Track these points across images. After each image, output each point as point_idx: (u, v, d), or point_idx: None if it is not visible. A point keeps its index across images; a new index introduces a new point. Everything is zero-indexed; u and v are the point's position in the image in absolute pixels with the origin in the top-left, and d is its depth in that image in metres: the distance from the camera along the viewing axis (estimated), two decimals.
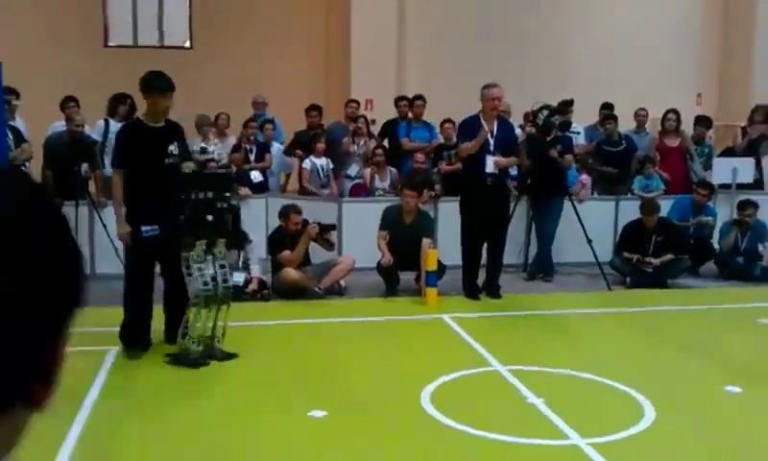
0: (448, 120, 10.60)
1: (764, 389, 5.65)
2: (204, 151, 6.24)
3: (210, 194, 6.06)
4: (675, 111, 11.09)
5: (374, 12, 13.70)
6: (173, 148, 6.22)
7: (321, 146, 10.56)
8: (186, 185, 6.06)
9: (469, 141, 8.25)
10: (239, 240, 7.22)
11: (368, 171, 10.49)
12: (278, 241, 8.51)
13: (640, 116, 11.72)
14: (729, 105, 15.15)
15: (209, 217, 6.03)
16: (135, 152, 6.26)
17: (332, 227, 8.58)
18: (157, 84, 6.35)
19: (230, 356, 6.21)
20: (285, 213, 8.53)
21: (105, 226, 9.03)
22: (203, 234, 6.03)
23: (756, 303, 8.35)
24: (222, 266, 6.15)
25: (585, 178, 10.63)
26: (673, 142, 10.99)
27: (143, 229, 6.17)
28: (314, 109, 11.26)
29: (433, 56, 14.17)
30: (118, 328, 6.64)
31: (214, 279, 6.08)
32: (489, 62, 12.69)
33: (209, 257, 6.07)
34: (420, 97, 11.20)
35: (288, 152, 11.23)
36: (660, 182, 10.69)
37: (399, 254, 8.50)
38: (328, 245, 8.60)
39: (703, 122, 11.57)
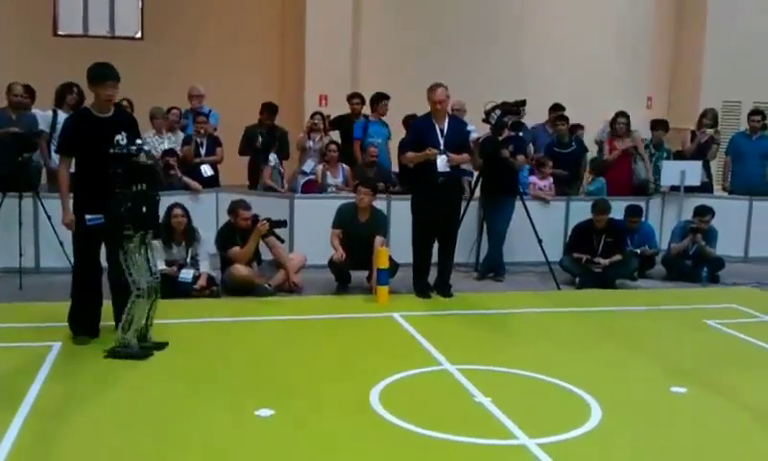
0: (412, 116, 10.54)
1: (710, 390, 5.73)
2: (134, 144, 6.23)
3: (144, 186, 6.07)
4: (625, 114, 11.19)
5: (329, 7, 13.64)
6: (120, 138, 6.22)
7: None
8: (128, 177, 6.05)
9: (414, 147, 8.26)
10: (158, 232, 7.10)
11: (320, 167, 10.42)
12: (227, 237, 8.41)
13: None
14: (678, 108, 15.40)
15: (144, 209, 6.05)
16: (81, 141, 6.28)
17: (283, 223, 8.50)
18: (99, 74, 6.36)
19: (161, 346, 6.24)
20: (234, 209, 8.43)
21: (49, 217, 8.82)
22: (140, 226, 6.04)
23: (702, 305, 8.47)
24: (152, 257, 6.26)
25: (545, 183, 10.70)
26: (622, 145, 11.09)
27: (87, 217, 6.19)
28: (267, 110, 10.96)
29: (388, 53, 14.16)
30: (63, 323, 6.53)
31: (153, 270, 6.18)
32: (443, 62, 12.72)
33: (144, 249, 6.11)
34: (384, 96, 11.14)
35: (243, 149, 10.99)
36: (603, 188, 10.85)
37: (353, 251, 8.46)
38: (278, 241, 8.52)
39: (660, 126, 11.71)
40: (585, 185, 11.25)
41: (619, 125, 11.14)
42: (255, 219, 8.34)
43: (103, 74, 6.34)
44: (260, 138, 10.58)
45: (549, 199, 10.53)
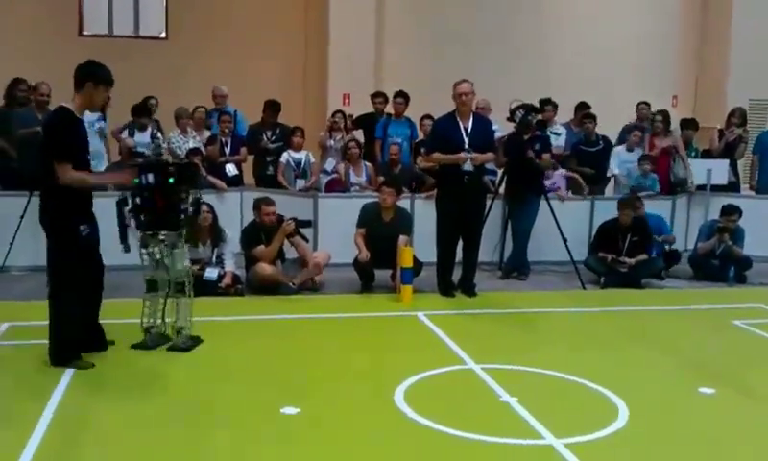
0: (428, 116, 10.53)
1: (738, 391, 5.66)
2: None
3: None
4: (663, 112, 11.13)
5: (353, 6, 13.64)
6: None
7: (298, 140, 10.50)
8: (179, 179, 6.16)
9: (439, 147, 8.24)
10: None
11: (342, 166, 10.42)
12: (252, 235, 8.42)
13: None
14: (704, 107, 15.25)
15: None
16: (74, 145, 5.76)
17: (308, 223, 8.50)
18: (107, 77, 6.03)
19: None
20: (257, 205, 8.45)
21: None
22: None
23: (729, 305, 8.39)
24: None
25: (562, 170, 10.62)
26: (661, 143, 11.02)
27: (82, 228, 5.78)
28: (271, 107, 10.92)
29: (411, 52, 14.14)
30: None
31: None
32: (466, 62, 12.69)
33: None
34: (401, 94, 11.11)
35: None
36: (655, 183, 10.72)
37: (377, 251, 8.45)
38: (303, 241, 8.53)
39: (690, 125, 11.63)
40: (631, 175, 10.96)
41: (656, 123, 11.08)
42: (281, 219, 8.35)
43: (109, 77, 6.00)
44: (266, 137, 10.60)
45: (563, 198, 10.37)
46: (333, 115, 11.17)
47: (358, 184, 10.27)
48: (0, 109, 9.67)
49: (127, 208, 6.10)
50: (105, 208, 6.16)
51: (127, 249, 6.11)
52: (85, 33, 14.78)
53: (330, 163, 10.66)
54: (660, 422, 5.02)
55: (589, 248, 9.85)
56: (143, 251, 6.21)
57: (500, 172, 9.71)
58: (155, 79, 12.78)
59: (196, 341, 6.34)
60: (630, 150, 10.92)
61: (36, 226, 8.30)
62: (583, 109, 11.63)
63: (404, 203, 9.41)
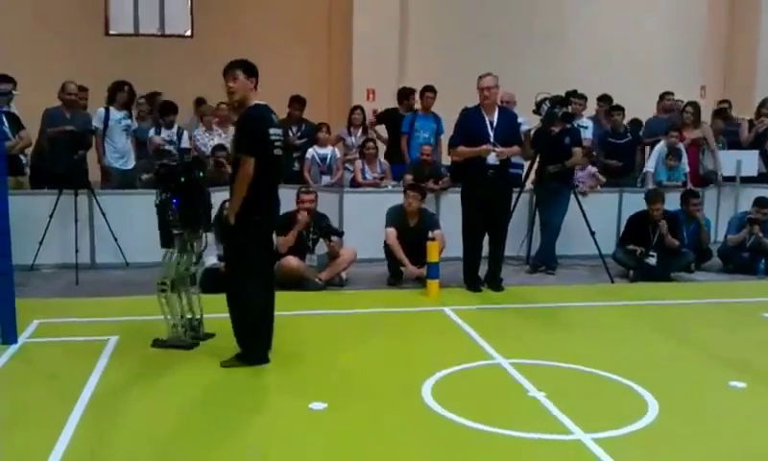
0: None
1: None
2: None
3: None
4: (694, 104, 11.03)
5: (377, 2, 13.63)
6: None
7: (323, 136, 10.51)
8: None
9: (464, 140, 8.19)
10: None
11: (358, 163, 10.45)
12: (284, 225, 8.42)
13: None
14: (732, 97, 15.06)
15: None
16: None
17: (338, 233, 8.48)
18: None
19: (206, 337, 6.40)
20: (297, 194, 8.50)
21: (104, 214, 8.99)
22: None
23: (760, 298, 8.30)
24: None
25: (592, 169, 10.55)
26: (691, 135, 10.91)
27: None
28: (296, 102, 10.97)
29: (435, 48, 14.12)
30: (118, 318, 6.64)
31: None
32: (490, 57, 12.60)
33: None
34: (430, 88, 11.07)
35: None
36: (681, 174, 10.61)
37: (405, 254, 8.52)
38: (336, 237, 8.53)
39: (721, 115, 11.51)
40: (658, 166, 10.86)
41: (687, 114, 10.98)
42: (317, 214, 8.34)
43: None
44: (291, 133, 10.63)
45: (590, 190, 10.29)
46: (353, 111, 11.16)
47: (372, 178, 10.34)
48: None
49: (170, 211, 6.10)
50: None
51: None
52: (112, 32, 14.89)
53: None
54: (691, 416, 4.97)
55: (618, 240, 9.76)
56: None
57: (526, 165, 9.66)
58: (180, 76, 12.85)
59: (202, 337, 6.35)
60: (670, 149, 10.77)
61: (66, 224, 8.35)
62: (604, 101, 11.54)
63: (429, 197, 9.41)
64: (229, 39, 14.27)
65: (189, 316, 6.35)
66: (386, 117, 11.44)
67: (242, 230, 5.67)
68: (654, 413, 4.94)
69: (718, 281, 9.27)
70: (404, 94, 11.31)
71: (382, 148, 11.11)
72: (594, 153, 10.81)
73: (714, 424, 4.88)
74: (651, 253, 9.11)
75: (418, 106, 11.15)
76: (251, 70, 6.12)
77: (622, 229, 9.95)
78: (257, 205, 5.66)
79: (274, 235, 8.34)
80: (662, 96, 11.84)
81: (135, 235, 8.71)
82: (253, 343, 5.81)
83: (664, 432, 4.69)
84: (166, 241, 6.14)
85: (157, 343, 6.16)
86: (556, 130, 9.14)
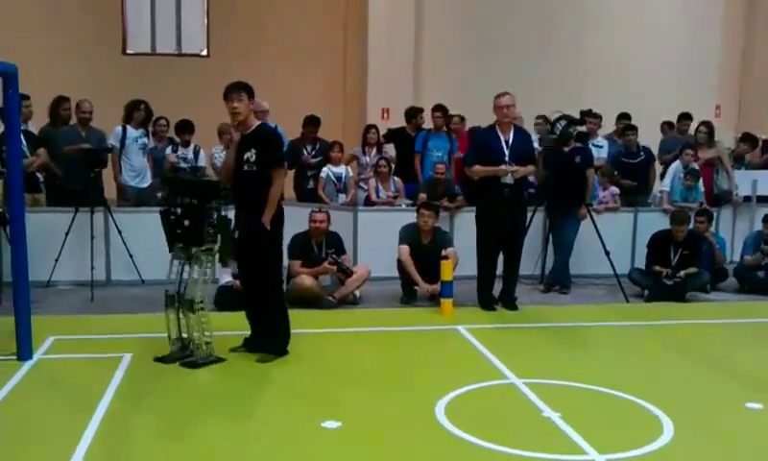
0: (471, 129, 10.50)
1: None
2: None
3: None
4: (707, 124, 11.00)
5: (391, 22, 13.70)
6: (249, 155, 6.30)
7: (337, 155, 10.55)
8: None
9: (480, 159, 8.18)
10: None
11: (371, 182, 10.47)
12: (301, 245, 8.45)
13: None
14: (748, 117, 15.04)
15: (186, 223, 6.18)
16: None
17: (349, 272, 8.46)
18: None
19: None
20: (310, 214, 8.53)
21: (120, 231, 9.03)
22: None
23: None
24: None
25: (615, 189, 10.53)
26: (705, 155, 10.88)
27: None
28: (311, 123, 11.00)
29: (450, 66, 14.15)
30: (133, 335, 6.67)
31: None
32: (504, 74, 12.64)
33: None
34: (439, 108, 11.08)
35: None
36: (699, 194, 10.57)
37: (419, 272, 8.52)
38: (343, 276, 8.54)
39: (747, 140, 11.49)
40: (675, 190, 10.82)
41: (700, 134, 10.95)
42: (329, 258, 8.37)
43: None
44: (306, 152, 10.65)
45: (612, 210, 10.29)
46: (367, 131, 11.19)
47: (386, 196, 10.35)
48: (46, 128, 9.84)
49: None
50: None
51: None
52: (129, 51, 15.04)
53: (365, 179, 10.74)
54: (707, 437, 4.93)
55: (632, 260, 9.69)
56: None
57: (537, 184, 9.65)
58: (196, 95, 12.94)
59: (214, 359, 6.25)
60: (686, 168, 10.71)
61: (81, 241, 8.37)
62: (624, 119, 11.52)
63: (443, 216, 9.42)
64: (245, 59, 14.39)
65: (185, 335, 6.32)
66: (394, 136, 11.48)
67: (271, 236, 6.28)
68: (669, 434, 4.90)
69: (734, 301, 9.21)
70: (412, 114, 11.34)
71: None
72: (616, 172, 10.77)
73: (731, 445, 4.84)
74: (678, 275, 9.03)
75: (428, 125, 11.17)
76: (251, 92, 6.61)
77: (637, 248, 9.91)
78: (279, 212, 6.34)
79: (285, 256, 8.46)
80: (681, 117, 11.76)
81: (151, 252, 8.72)
82: (288, 337, 6.54)
83: (680, 453, 4.66)
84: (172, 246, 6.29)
85: (187, 364, 6.15)
86: (567, 149, 9.13)
